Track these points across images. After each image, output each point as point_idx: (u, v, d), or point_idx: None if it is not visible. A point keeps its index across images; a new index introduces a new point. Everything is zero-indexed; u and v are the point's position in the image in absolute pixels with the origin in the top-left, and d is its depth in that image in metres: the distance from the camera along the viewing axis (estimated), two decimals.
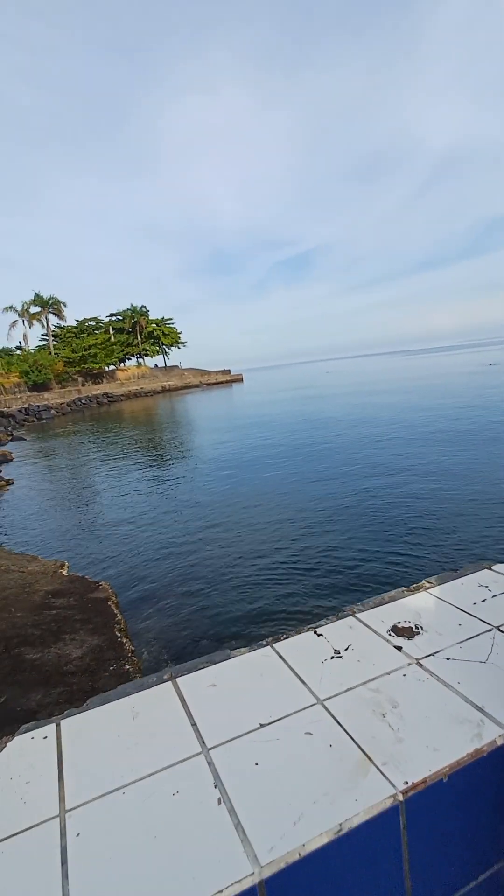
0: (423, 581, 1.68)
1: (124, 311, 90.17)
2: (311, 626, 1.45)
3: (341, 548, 9.12)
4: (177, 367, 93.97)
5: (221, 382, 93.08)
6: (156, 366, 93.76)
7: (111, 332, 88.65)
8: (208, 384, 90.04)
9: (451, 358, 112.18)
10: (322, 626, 1.45)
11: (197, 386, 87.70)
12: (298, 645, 1.36)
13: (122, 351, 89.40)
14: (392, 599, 1.59)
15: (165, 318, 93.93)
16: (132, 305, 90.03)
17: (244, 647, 1.37)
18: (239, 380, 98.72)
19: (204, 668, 1.31)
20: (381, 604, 1.57)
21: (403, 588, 1.64)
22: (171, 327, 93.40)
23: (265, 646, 1.37)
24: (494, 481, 11.81)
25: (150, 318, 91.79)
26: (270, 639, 1.40)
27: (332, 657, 1.30)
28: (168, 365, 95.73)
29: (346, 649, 1.32)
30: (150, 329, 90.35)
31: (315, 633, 1.43)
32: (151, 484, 16.15)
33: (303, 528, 10.43)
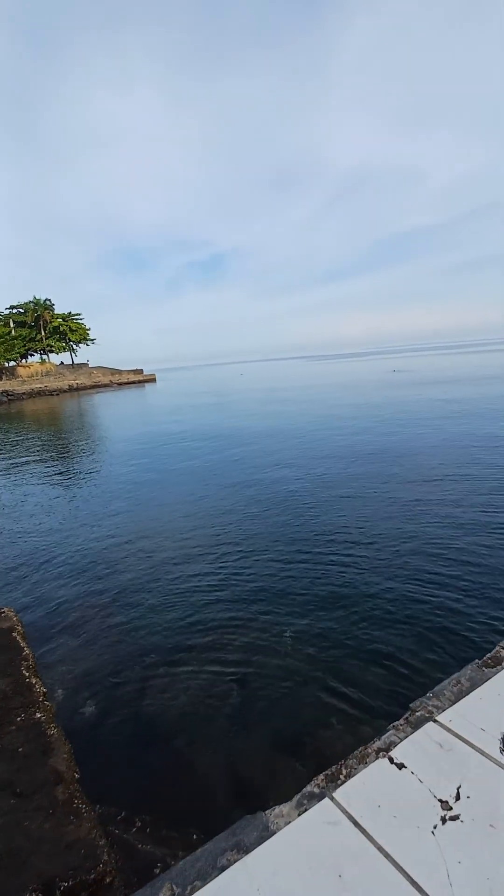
0: (498, 648, 1.21)
1: (26, 303, 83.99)
2: (381, 747, 0.90)
3: (270, 558, 8.67)
4: (85, 364, 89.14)
5: (134, 382, 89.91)
6: (62, 363, 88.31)
7: (12, 325, 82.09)
8: (120, 384, 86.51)
9: (359, 364, 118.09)
10: (396, 745, 0.90)
11: (107, 385, 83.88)
12: (374, 791, 0.81)
13: (24, 346, 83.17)
14: (474, 684, 1.08)
15: (73, 313, 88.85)
16: (35, 298, 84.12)
17: (287, 805, 0.80)
18: (152, 380, 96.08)
19: (232, 863, 0.71)
20: (462, 694, 1.05)
21: (478, 662, 1.16)
22: (78, 323, 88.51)
23: (321, 797, 0.80)
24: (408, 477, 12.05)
25: (56, 312, 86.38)
26: (322, 778, 0.82)
27: (445, 818, 0.76)
28: (76, 363, 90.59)
29: (458, 798, 0.79)
30: (55, 324, 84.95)
31: (391, 760, 0.88)
32: (59, 491, 14.69)
33: (227, 537, 9.85)
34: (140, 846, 3.44)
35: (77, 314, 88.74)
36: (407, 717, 1.02)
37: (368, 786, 0.88)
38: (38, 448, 23.86)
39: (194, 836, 3.57)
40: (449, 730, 0.98)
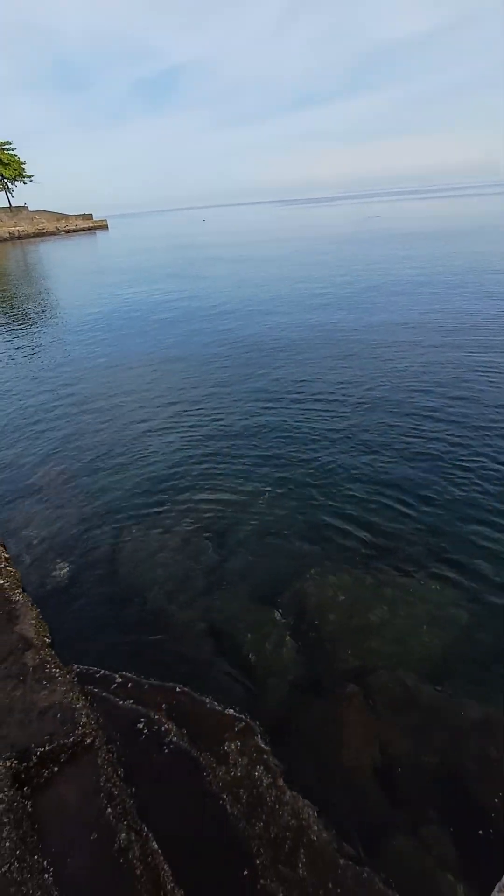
0: None
1: None
2: None
3: (243, 410, 8.16)
4: (24, 208, 78.01)
5: (83, 230, 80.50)
6: None
7: None
8: (67, 231, 77.35)
9: (332, 210, 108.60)
10: None
11: (53, 233, 74.89)
12: None
13: None
14: None
15: (2, 141, 75.06)
16: None
17: None
18: (103, 226, 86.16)
19: None
20: None
21: None
22: (11, 154, 75.35)
23: None
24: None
25: None
26: None
27: None
28: (13, 206, 79.15)
29: None
30: None
31: None
32: (8, 350, 13.34)
33: (196, 391, 9.18)
34: (122, 703, 3.34)
35: (7, 143, 75.16)
36: None
37: None
38: None
39: (177, 690, 3.51)
40: None
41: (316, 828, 2.52)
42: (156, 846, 2.31)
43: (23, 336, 14.87)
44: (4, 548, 5.12)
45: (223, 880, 2.21)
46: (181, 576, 4.87)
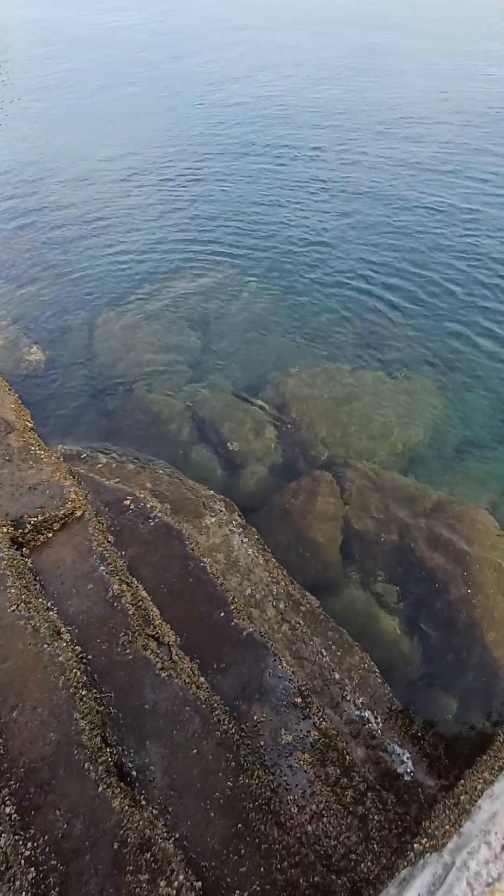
0: None
1: None
2: None
3: (230, 184, 7.03)
4: None
5: None
6: None
7: None
8: None
9: None
10: None
11: None
12: None
13: None
14: None
15: None
16: None
17: None
18: None
19: None
20: None
21: None
22: None
23: None
24: None
25: None
26: None
27: None
28: None
29: None
30: None
31: None
32: None
33: (179, 153, 7.79)
34: (107, 482, 3.53)
35: None
36: None
37: None
38: None
39: (159, 470, 3.72)
40: None
41: (284, 583, 2.91)
42: (145, 594, 2.66)
43: None
44: None
45: (202, 617, 2.60)
46: (162, 363, 4.76)
